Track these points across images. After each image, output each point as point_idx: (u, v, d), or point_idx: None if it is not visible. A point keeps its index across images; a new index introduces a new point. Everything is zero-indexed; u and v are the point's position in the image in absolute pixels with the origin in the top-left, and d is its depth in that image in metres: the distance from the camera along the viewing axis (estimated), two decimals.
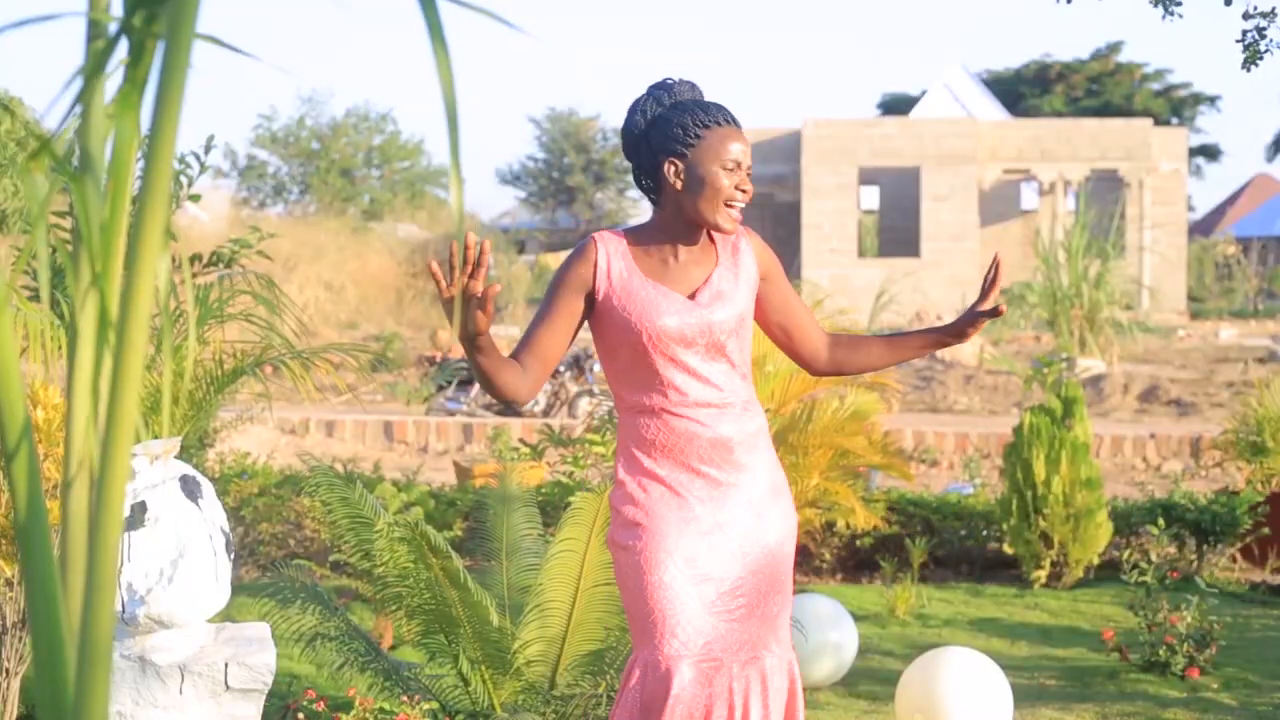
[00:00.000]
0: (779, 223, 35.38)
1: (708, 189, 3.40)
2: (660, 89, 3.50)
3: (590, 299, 3.47)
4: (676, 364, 3.42)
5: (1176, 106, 49.30)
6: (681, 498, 3.42)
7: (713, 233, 3.52)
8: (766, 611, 3.47)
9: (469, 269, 3.15)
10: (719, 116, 3.44)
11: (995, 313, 3.57)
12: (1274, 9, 5.07)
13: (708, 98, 3.55)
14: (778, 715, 3.49)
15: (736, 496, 3.45)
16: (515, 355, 3.44)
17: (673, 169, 3.43)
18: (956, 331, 3.64)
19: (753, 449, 3.47)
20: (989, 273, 3.63)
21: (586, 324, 3.54)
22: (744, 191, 3.43)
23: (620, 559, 3.46)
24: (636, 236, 3.52)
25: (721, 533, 3.42)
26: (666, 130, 3.44)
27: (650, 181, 3.49)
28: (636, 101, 3.52)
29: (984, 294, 3.63)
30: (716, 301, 3.45)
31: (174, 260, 5.81)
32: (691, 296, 3.45)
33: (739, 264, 3.52)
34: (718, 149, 3.41)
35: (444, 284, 3.16)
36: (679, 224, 3.47)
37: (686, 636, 3.36)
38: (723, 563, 3.41)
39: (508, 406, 3.65)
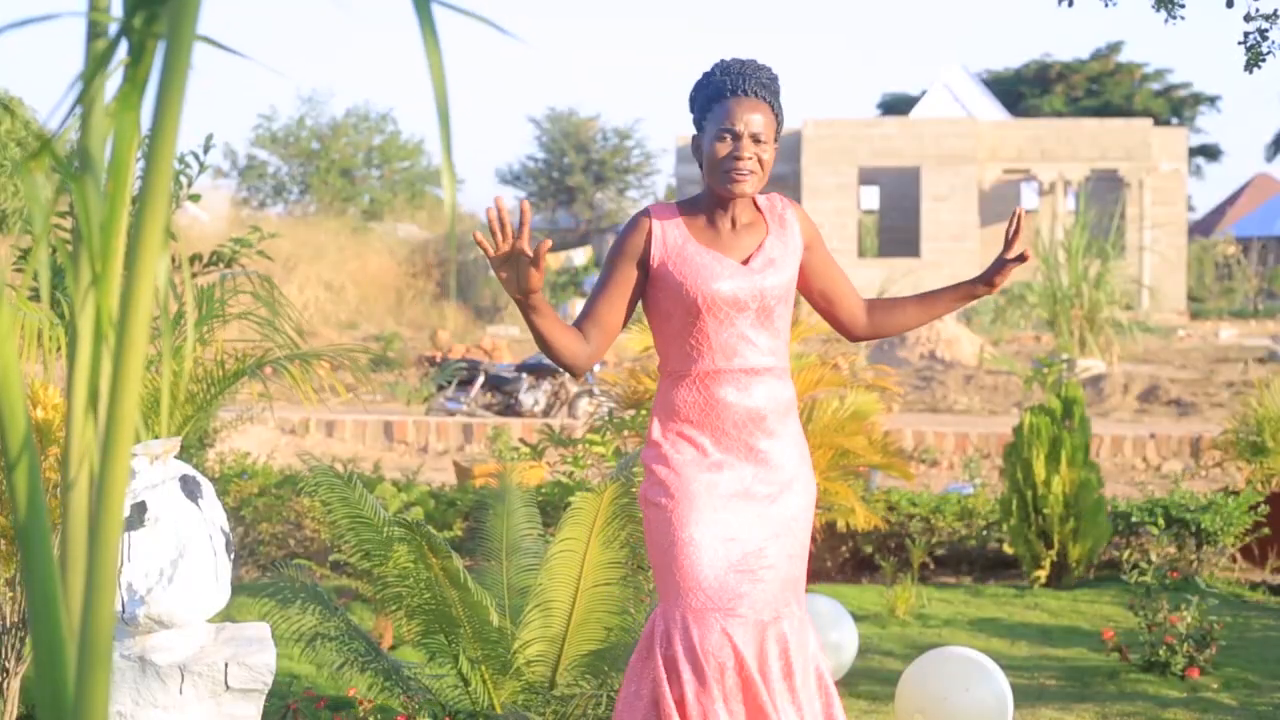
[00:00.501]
0: None
1: (707, 159, 3.56)
2: (716, 66, 3.62)
3: (645, 268, 3.58)
4: (729, 328, 3.53)
5: (1176, 106, 49.30)
6: (713, 460, 3.53)
7: (758, 204, 3.65)
8: (789, 574, 3.57)
9: (506, 230, 3.29)
10: (728, 87, 3.54)
11: (1022, 258, 3.72)
12: (1275, 11, 5.07)
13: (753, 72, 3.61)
14: (802, 672, 3.57)
15: (766, 462, 3.55)
16: (577, 324, 3.57)
17: (694, 143, 3.64)
18: (987, 281, 3.76)
19: (784, 417, 3.59)
20: (1011, 223, 3.72)
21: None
22: (739, 158, 3.51)
23: (650, 515, 3.56)
24: (689, 207, 3.64)
25: (750, 497, 3.53)
26: (691, 107, 3.63)
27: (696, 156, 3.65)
28: (698, 79, 3.65)
29: (1008, 244, 3.75)
30: (769, 268, 3.56)
31: (174, 260, 5.81)
32: (745, 262, 3.56)
33: (787, 233, 3.64)
34: (717, 119, 3.53)
35: (489, 247, 3.30)
36: (713, 194, 3.60)
37: (712, 592, 3.47)
38: (749, 525, 3.52)
39: (567, 371, 3.77)
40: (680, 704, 3.47)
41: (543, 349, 3.51)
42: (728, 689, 3.47)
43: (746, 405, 3.53)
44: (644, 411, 7.48)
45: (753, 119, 3.51)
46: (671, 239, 3.56)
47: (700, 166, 3.62)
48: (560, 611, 4.75)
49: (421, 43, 1.27)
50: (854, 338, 3.84)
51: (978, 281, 3.77)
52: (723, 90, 3.54)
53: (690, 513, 3.49)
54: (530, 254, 3.28)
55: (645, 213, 3.62)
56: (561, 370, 16.72)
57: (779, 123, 3.60)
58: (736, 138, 3.51)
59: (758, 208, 3.65)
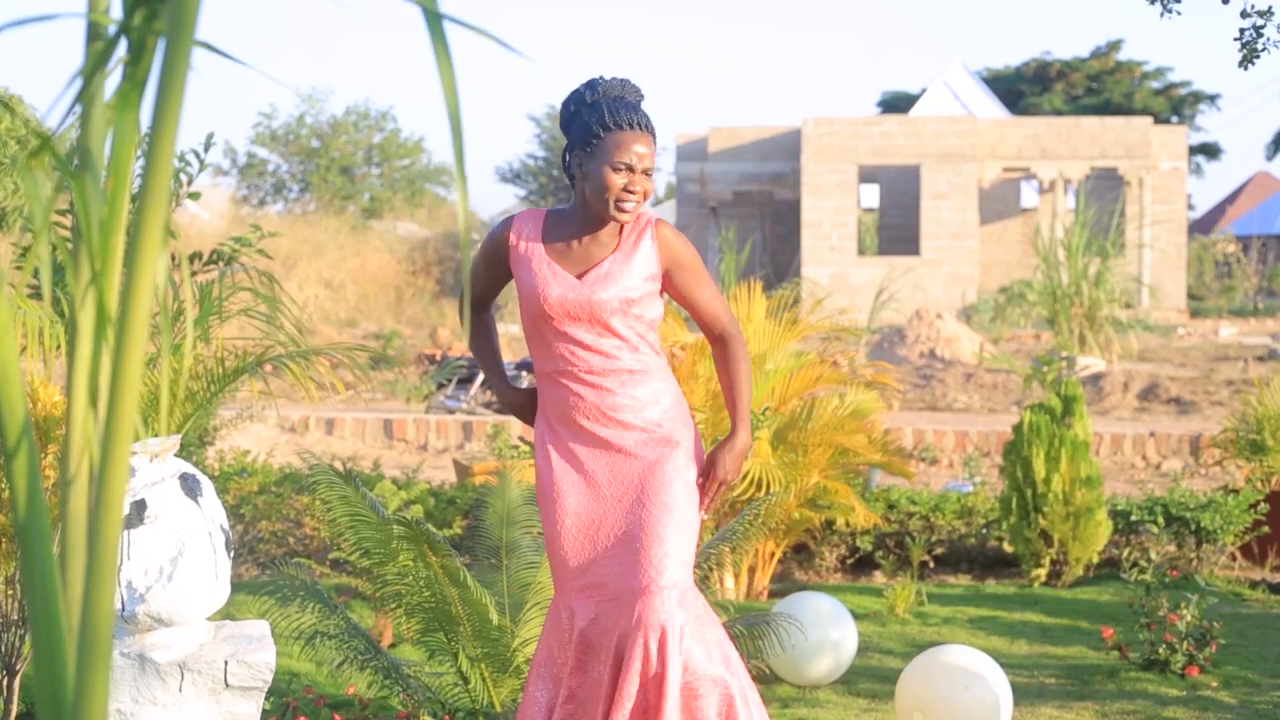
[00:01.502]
0: (778, 220, 35.37)
1: (598, 185, 3.83)
2: (590, 85, 3.91)
3: (506, 270, 4.01)
4: (565, 335, 3.87)
5: (1176, 105, 49.25)
6: (578, 458, 3.88)
7: (624, 224, 3.93)
8: (660, 551, 3.78)
9: None
10: (624, 120, 3.83)
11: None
12: (1271, 8, 5.07)
13: (640, 96, 3.98)
14: (675, 641, 3.73)
15: (621, 452, 3.86)
16: (484, 316, 4.24)
17: (576, 161, 3.90)
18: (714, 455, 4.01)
19: (639, 411, 3.87)
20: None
21: None
22: (632, 192, 3.82)
23: (540, 505, 3.98)
24: (556, 217, 3.97)
25: (615, 481, 3.86)
26: (578, 126, 3.88)
27: (567, 168, 3.97)
28: (570, 94, 3.94)
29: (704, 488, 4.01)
30: (600, 283, 3.85)
31: (174, 258, 5.81)
32: (580, 276, 3.88)
33: (636, 251, 3.90)
34: (612, 150, 3.81)
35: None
36: (586, 209, 3.91)
37: (575, 572, 3.87)
38: (614, 508, 3.85)
39: None
40: (543, 665, 3.93)
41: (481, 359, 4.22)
42: (599, 669, 3.81)
43: (595, 405, 3.86)
44: None
45: (644, 153, 3.83)
46: (525, 246, 3.92)
47: (571, 180, 3.93)
48: None
49: (434, 58, 1.27)
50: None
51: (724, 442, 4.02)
52: (618, 122, 3.82)
53: (558, 510, 3.89)
54: None
55: (510, 219, 3.99)
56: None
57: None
58: (630, 170, 3.81)
59: (619, 226, 3.93)
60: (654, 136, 3.89)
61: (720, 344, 4.07)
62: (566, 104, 3.92)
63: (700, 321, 4.08)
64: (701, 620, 3.79)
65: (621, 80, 3.93)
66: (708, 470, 3.93)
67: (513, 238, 3.95)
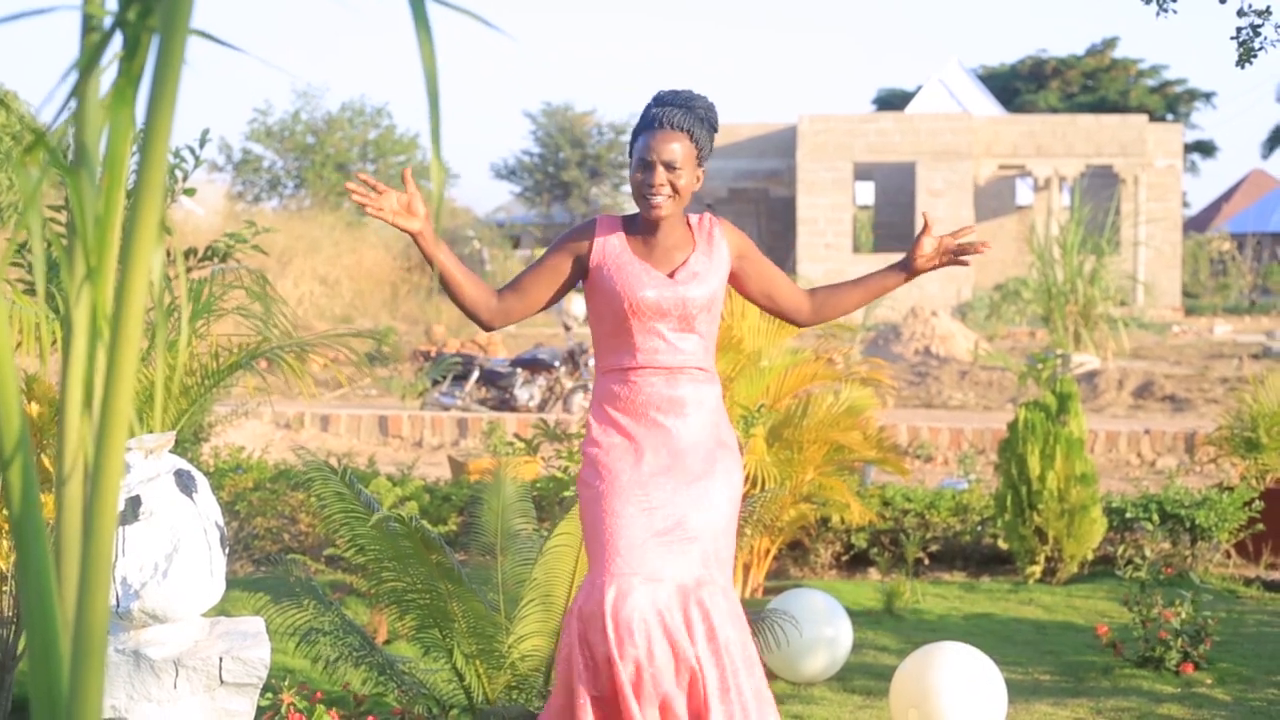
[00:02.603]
0: (774, 218, 35.38)
1: (630, 184, 4.01)
2: (652, 98, 4.04)
3: (583, 268, 4.02)
4: (652, 331, 3.95)
5: (1172, 102, 49.29)
6: (639, 444, 3.93)
7: (690, 223, 4.06)
8: (712, 548, 3.92)
9: (378, 186, 3.74)
10: (651, 121, 3.97)
11: (933, 241, 4.20)
12: (1268, 6, 5.08)
13: (701, 91, 4.08)
14: (725, 641, 3.85)
15: (686, 448, 3.93)
16: (500, 290, 4.02)
17: (628, 169, 4.09)
18: (907, 263, 4.21)
19: (702, 407, 3.98)
20: (923, 231, 4.21)
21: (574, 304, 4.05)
22: (650, 186, 3.92)
23: (584, 495, 3.97)
24: (630, 223, 4.06)
25: (671, 473, 3.91)
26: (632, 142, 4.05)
27: None
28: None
29: (919, 238, 4.22)
30: (692, 280, 3.97)
31: (169, 254, 5.80)
32: (671, 275, 3.98)
33: (714, 249, 4.04)
34: (637, 151, 3.97)
35: (367, 201, 3.73)
36: (642, 215, 4.02)
37: (636, 557, 3.82)
38: (670, 499, 3.89)
39: (471, 319, 4.14)
40: (590, 663, 3.81)
41: (446, 290, 3.95)
42: (648, 653, 3.77)
43: (668, 395, 3.94)
44: None
45: (666, 149, 3.93)
46: (611, 247, 4.00)
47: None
48: (556, 605, 4.75)
49: (414, 32, 1.27)
50: (801, 323, 4.25)
51: (903, 263, 4.23)
52: (649, 124, 3.97)
53: (615, 488, 3.89)
54: (403, 191, 3.77)
55: (594, 220, 4.07)
56: (555, 366, 16.79)
57: (700, 148, 3.99)
58: (650, 167, 3.93)
59: (689, 226, 4.06)
60: (691, 134, 3.96)
61: (815, 294, 4.21)
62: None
63: (788, 301, 4.17)
64: (740, 616, 3.96)
65: (685, 91, 4.05)
66: (928, 243, 4.17)
67: (598, 239, 4.02)
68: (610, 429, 3.96)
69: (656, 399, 3.94)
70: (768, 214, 35.44)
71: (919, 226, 33.12)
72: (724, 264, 4.04)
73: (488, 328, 4.03)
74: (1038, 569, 8.36)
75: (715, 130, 4.07)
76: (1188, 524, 8.51)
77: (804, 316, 4.21)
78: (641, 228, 4.03)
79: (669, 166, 3.92)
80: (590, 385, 15.97)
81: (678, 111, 3.96)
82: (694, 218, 4.09)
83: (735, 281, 4.11)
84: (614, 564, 3.82)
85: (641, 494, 3.88)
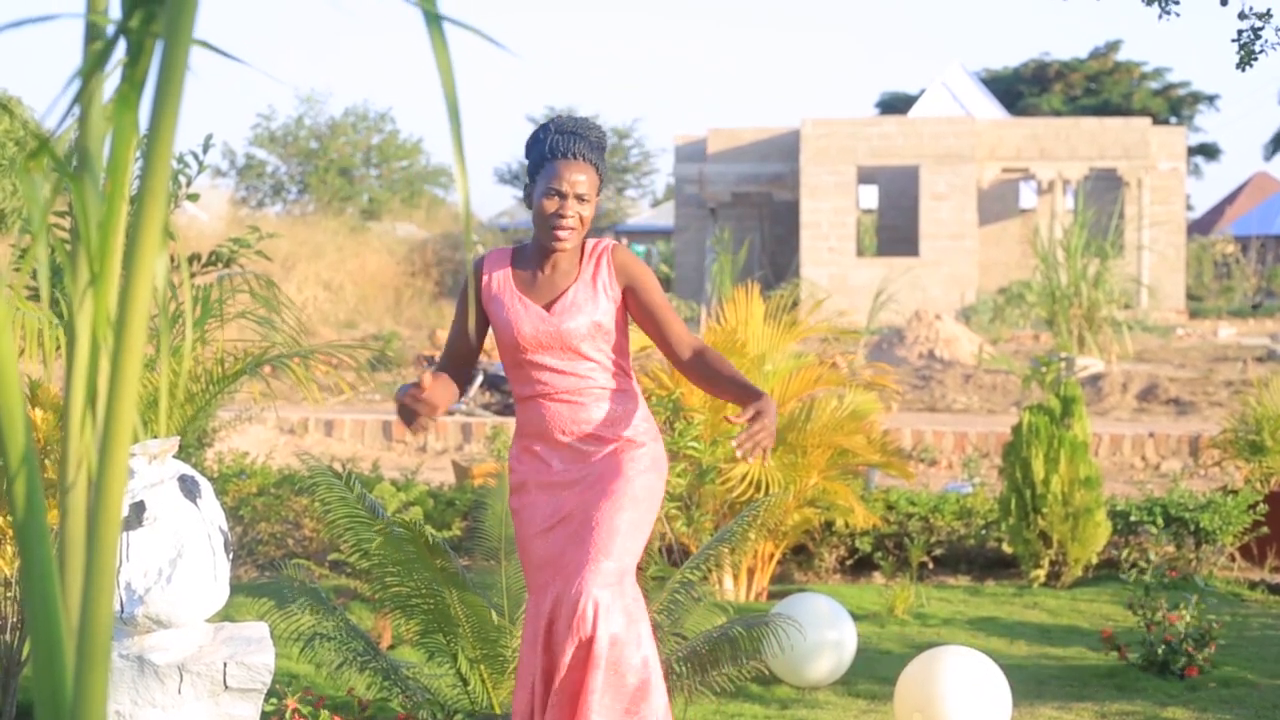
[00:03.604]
0: (777, 222, 35.37)
1: (536, 212, 4.02)
2: (547, 122, 4.10)
3: (481, 306, 4.12)
4: (539, 364, 4.02)
5: (1175, 105, 49.26)
6: (547, 465, 4.03)
7: (585, 248, 4.08)
8: (596, 530, 3.91)
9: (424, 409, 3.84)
10: (561, 148, 3.99)
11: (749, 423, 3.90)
12: (1269, 9, 5.08)
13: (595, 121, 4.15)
14: (601, 632, 3.82)
15: (589, 461, 4.01)
16: (441, 365, 4.13)
17: (525, 191, 4.08)
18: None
19: (611, 425, 4.02)
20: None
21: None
22: (563, 216, 3.95)
23: (514, 522, 4.14)
24: (519, 253, 4.13)
25: (574, 486, 4.01)
26: (531, 159, 4.07)
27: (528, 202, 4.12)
28: (533, 130, 4.13)
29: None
30: (567, 312, 4.01)
31: (172, 260, 5.81)
32: (548, 307, 4.04)
33: (598, 277, 4.05)
34: (547, 177, 3.98)
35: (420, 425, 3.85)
36: (539, 244, 4.06)
37: (540, 568, 4.00)
38: (568, 503, 4.00)
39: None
40: (522, 667, 4.01)
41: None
42: (547, 651, 3.90)
43: (570, 416, 4.00)
44: None
45: (578, 180, 3.97)
46: (496, 283, 4.08)
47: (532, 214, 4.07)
48: None
49: (432, 54, 1.27)
50: (675, 366, 4.18)
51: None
52: (555, 151, 3.98)
53: (526, 514, 4.05)
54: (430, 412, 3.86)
55: (482, 259, 4.15)
56: None
57: (602, 181, 4.05)
58: (563, 197, 3.96)
59: (581, 254, 4.08)
60: (596, 167, 4.01)
61: (698, 355, 4.10)
62: (528, 141, 4.09)
63: (668, 340, 4.10)
64: (631, 612, 3.89)
65: (580, 118, 4.11)
66: (748, 415, 3.88)
67: (486, 276, 4.11)
68: (524, 454, 4.08)
69: (562, 423, 4.01)
70: (771, 218, 35.43)
71: (923, 230, 33.03)
72: (609, 291, 4.04)
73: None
74: (1042, 572, 8.35)
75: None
76: (1192, 527, 8.50)
77: (677, 363, 4.14)
78: (530, 259, 4.08)
79: (579, 199, 3.98)
80: None
81: (583, 143, 4.01)
82: (590, 243, 4.09)
83: (630, 309, 4.11)
84: (531, 578, 4.05)
85: (548, 515, 4.01)
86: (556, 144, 4.00)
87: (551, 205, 3.97)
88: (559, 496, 4.02)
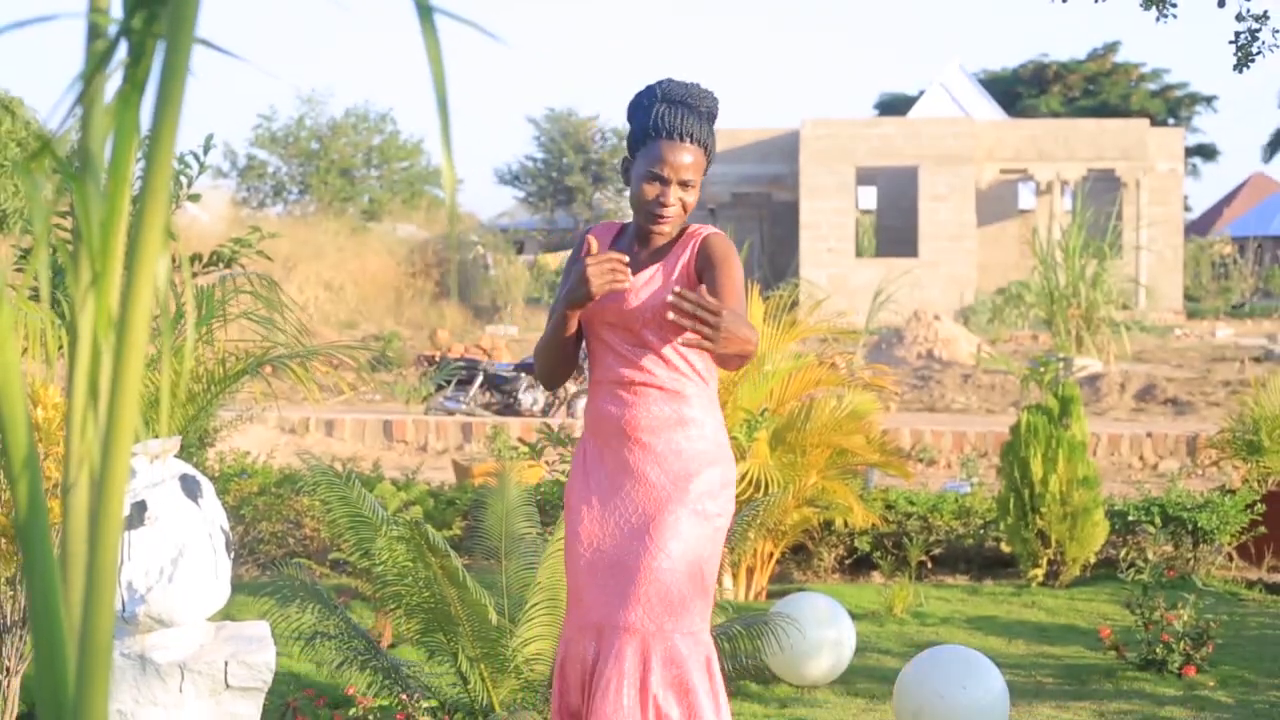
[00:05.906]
0: (776, 222, 35.38)
1: (634, 194, 3.66)
2: (654, 86, 3.68)
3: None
4: (604, 344, 3.66)
5: (1173, 106, 49.27)
6: (588, 474, 3.66)
7: (686, 229, 3.71)
8: (657, 590, 3.50)
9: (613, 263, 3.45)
10: (664, 126, 3.61)
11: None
12: (1266, 11, 5.09)
13: (705, 95, 3.69)
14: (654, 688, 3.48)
15: (635, 475, 3.58)
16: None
17: (624, 163, 3.72)
18: None
19: (660, 434, 3.59)
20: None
21: None
22: (663, 204, 3.61)
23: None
24: (624, 230, 3.79)
25: (614, 506, 3.59)
26: (634, 128, 3.68)
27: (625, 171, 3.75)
28: (638, 92, 3.71)
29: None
30: (637, 291, 3.62)
31: (174, 260, 5.82)
32: None
33: (679, 261, 3.67)
34: (649, 159, 3.61)
35: (595, 252, 3.50)
36: (638, 225, 3.73)
37: (577, 603, 3.61)
38: (608, 533, 3.59)
39: (543, 383, 3.95)
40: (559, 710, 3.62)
41: (547, 356, 3.67)
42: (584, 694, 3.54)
43: (618, 416, 3.60)
44: None
45: (683, 163, 3.60)
46: (592, 252, 3.65)
47: (628, 188, 3.72)
48: (560, 609, 4.76)
49: (423, 45, 1.28)
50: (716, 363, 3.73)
51: None
52: (659, 128, 3.60)
53: (570, 536, 3.66)
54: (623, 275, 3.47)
55: (588, 230, 3.82)
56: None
57: (709, 158, 3.68)
58: (665, 183, 3.60)
59: (678, 237, 3.72)
60: (705, 146, 3.64)
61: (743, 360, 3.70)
62: (630, 104, 3.71)
63: None
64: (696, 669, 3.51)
65: (690, 84, 3.68)
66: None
67: (587, 244, 3.70)
68: (582, 460, 3.71)
69: (614, 422, 3.60)
70: (771, 219, 35.43)
71: (922, 231, 33.01)
72: (686, 276, 3.64)
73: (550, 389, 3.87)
74: (1040, 572, 8.36)
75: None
76: (1190, 527, 8.51)
77: (719, 362, 3.70)
78: (630, 236, 3.75)
79: (683, 184, 3.62)
80: None
81: (692, 118, 3.62)
82: (693, 227, 3.74)
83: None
84: (570, 612, 3.68)
85: (590, 539, 3.60)
86: (662, 119, 3.60)
87: (652, 191, 3.60)
88: (596, 518, 3.61)
